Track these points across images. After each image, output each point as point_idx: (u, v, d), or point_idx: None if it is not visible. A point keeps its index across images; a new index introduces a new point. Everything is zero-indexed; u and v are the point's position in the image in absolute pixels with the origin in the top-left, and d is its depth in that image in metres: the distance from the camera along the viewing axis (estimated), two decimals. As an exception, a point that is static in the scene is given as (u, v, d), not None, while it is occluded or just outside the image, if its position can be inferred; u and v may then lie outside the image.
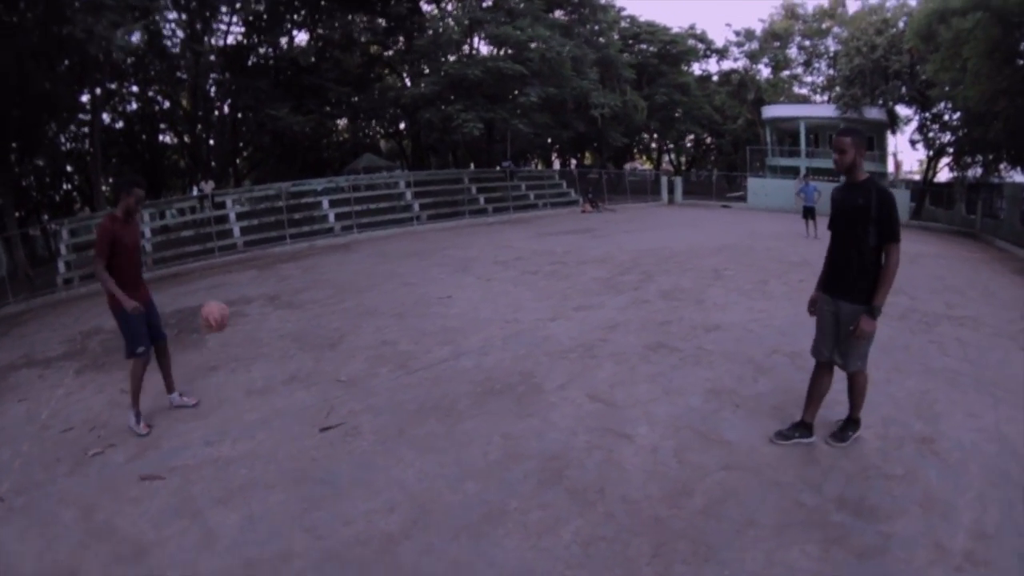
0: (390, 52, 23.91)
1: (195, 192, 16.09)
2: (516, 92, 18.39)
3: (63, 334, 6.93)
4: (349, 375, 4.61)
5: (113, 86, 19.06)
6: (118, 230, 3.75)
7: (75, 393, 4.73)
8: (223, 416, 3.96)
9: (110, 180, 22.09)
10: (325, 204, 15.89)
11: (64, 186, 24.23)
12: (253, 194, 16.13)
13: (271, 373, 4.79)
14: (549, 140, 30.40)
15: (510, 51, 19.26)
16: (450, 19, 18.44)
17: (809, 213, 12.81)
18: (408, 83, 20.02)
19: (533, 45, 18.93)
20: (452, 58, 19.41)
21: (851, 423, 3.39)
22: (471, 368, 4.62)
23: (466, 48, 19.54)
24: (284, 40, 20.39)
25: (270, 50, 20.38)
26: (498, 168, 20.73)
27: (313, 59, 19.77)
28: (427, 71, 18.71)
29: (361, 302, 7.31)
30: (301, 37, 22.42)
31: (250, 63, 20.72)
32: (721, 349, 4.93)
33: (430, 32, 17.67)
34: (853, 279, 3.04)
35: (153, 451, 3.54)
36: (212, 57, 19.86)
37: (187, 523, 2.75)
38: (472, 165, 23.25)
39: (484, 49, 20.59)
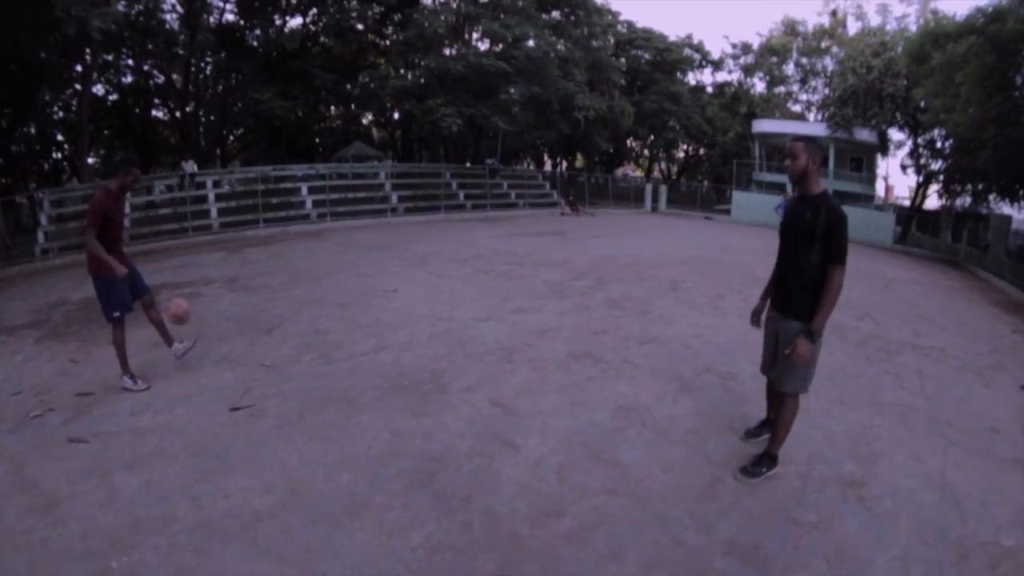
0: (386, 41, 24.24)
1: (179, 171, 16.44)
2: (499, 89, 18.81)
3: (32, 304, 7.34)
4: (274, 360, 5.05)
5: (110, 57, 19.36)
6: (110, 205, 4.20)
7: (31, 360, 5.17)
8: (155, 391, 4.41)
9: (100, 152, 22.45)
10: (304, 191, 16.26)
11: (54, 155, 24.47)
12: (234, 176, 16.51)
13: (205, 353, 5.22)
14: (538, 141, 30.86)
15: (497, 48, 19.65)
16: (440, 14, 18.74)
17: None
18: (398, 73, 20.36)
19: (519, 43, 19.29)
20: (448, 51, 19.75)
21: (767, 458, 3.21)
22: (388, 363, 5.00)
23: (456, 43, 19.90)
24: (278, 21, 20.71)
25: (259, 32, 20.72)
26: (484, 165, 21.24)
27: (298, 44, 20.10)
28: (417, 63, 19.07)
29: (311, 290, 7.74)
30: (295, 21, 22.82)
31: (242, 44, 21.02)
32: (649, 364, 4.93)
33: (418, 25, 18.01)
34: (794, 295, 3.00)
35: (85, 417, 3.99)
36: (206, 36, 20.16)
37: (96, 482, 3.20)
38: (468, 162, 23.68)
39: (483, 45, 20.98)
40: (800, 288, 2.96)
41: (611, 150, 30.76)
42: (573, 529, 2.72)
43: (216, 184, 14.87)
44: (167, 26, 18.87)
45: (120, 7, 11.48)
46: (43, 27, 12.05)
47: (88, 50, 15.28)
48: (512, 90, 18.86)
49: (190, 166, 15.08)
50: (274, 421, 3.90)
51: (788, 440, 3.30)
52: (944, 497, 3.05)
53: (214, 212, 13.88)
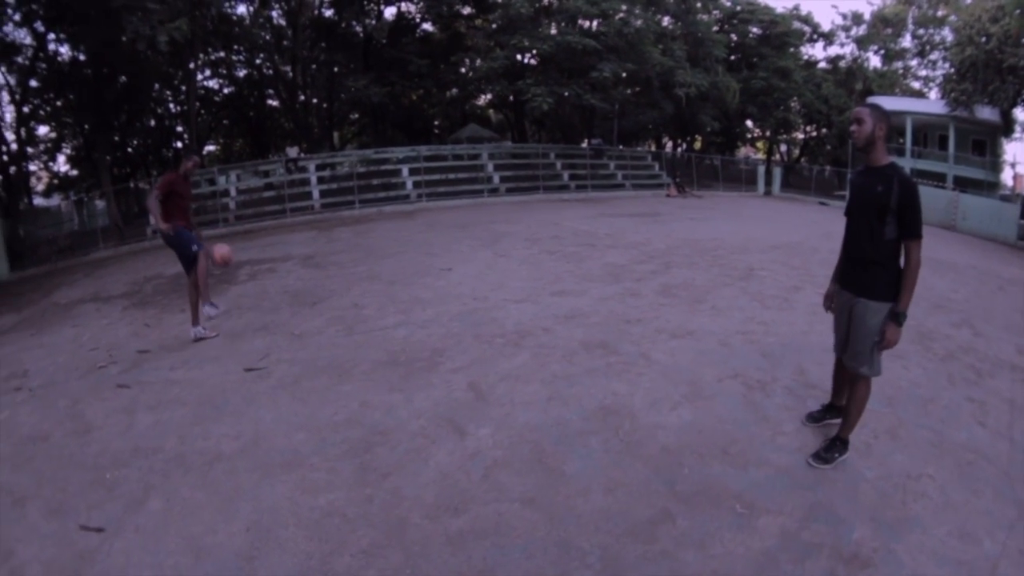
0: (478, 21, 25.26)
1: (284, 156, 18.67)
2: (591, 67, 18.88)
3: (131, 277, 9.07)
4: (303, 330, 5.89)
5: (222, 54, 22.35)
6: (177, 183, 5.49)
7: (114, 324, 6.54)
8: (194, 351, 5.44)
9: (220, 140, 26.04)
10: (405, 172, 17.61)
11: (175, 144, 28.56)
12: (335, 159, 18.31)
13: (251, 321, 6.24)
14: (649, 124, 30.50)
15: (588, 24, 19.68)
16: None
17: None
18: (489, 56, 21.26)
19: (608, 18, 19.28)
20: (550, 30, 20.20)
21: (838, 443, 3.18)
22: (399, 338, 5.53)
23: (549, 22, 20.29)
24: (373, 11, 22.54)
25: (355, 24, 22.64)
26: (591, 146, 21.51)
27: (386, 34, 21.71)
28: (506, 44, 19.74)
29: (372, 267, 8.62)
30: (390, 11, 24.70)
31: (339, 36, 23.22)
32: (668, 361, 4.68)
33: (504, 6, 18.63)
34: (868, 273, 2.97)
35: (136, 369, 5.09)
36: (306, 30, 22.51)
37: (123, 417, 4.18)
38: (586, 142, 24.14)
39: (584, 23, 21.19)
40: (875, 265, 2.93)
41: (717, 129, 29.51)
42: (462, 531, 2.74)
43: (320, 168, 16.67)
44: (273, 22, 21.43)
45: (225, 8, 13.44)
46: (118, 43, 14.35)
47: (191, 50, 17.84)
48: (603, 67, 18.85)
49: (294, 151, 17.08)
50: (274, 383, 4.66)
51: (786, 481, 3.06)
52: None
53: (316, 194, 15.60)
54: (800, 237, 11.80)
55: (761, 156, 42.25)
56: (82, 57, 17.16)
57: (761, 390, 4.18)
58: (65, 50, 18.31)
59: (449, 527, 2.78)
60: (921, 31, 30.69)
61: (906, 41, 32.08)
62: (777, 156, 40.67)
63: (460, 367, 4.72)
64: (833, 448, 3.18)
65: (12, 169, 18.58)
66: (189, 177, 5.73)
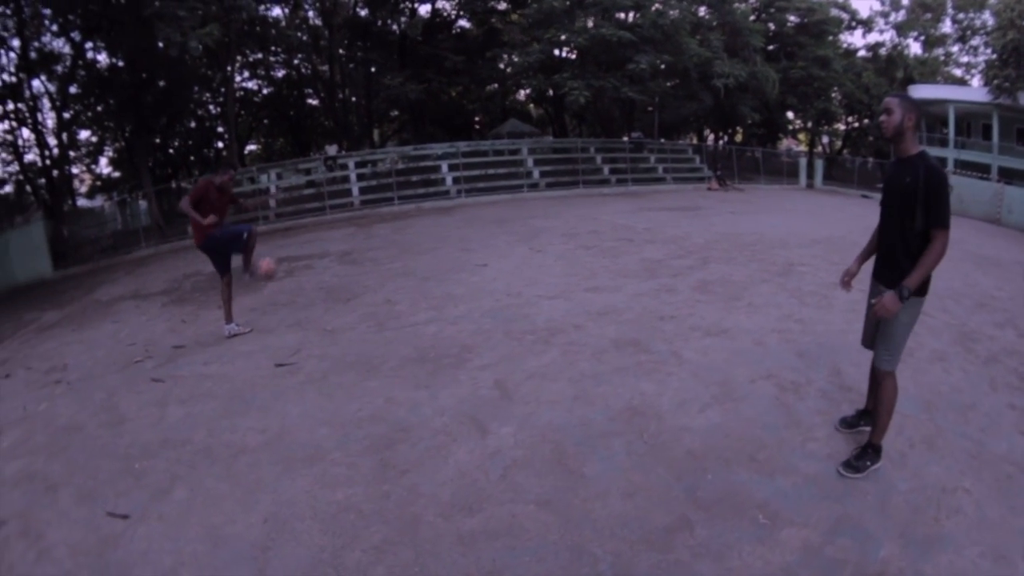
0: (514, 16, 25.29)
1: (322, 154, 19.10)
2: (627, 60, 18.67)
3: (171, 275, 9.41)
4: (335, 326, 5.98)
5: (260, 55, 23.00)
6: (211, 191, 5.57)
7: (152, 320, 6.78)
8: (227, 346, 5.59)
9: (261, 139, 26.80)
10: (444, 168, 17.76)
11: (216, 145, 29.52)
12: (374, 156, 18.61)
13: (285, 317, 6.38)
14: (689, 116, 30.15)
15: (625, 16, 19.49)
16: None
17: None
18: (524, 51, 21.34)
19: (643, 10, 19.06)
20: (586, 23, 20.10)
21: (870, 450, 3.08)
22: (429, 334, 5.56)
23: (584, 16, 20.16)
24: (407, 9, 22.83)
25: (390, 22, 22.94)
26: (629, 140, 21.33)
27: (420, 31, 21.92)
28: (540, 38, 19.71)
29: (408, 263, 8.72)
30: (424, 8, 25.02)
31: (374, 35, 23.57)
32: (700, 361, 4.57)
33: (536, 2, 18.66)
34: (898, 266, 2.95)
35: (171, 364, 5.26)
36: (341, 29, 22.97)
37: (155, 410, 4.32)
38: (626, 136, 24.03)
39: (624, 15, 21.01)
40: (905, 257, 2.92)
41: (758, 120, 28.90)
42: (474, 531, 2.72)
43: (359, 165, 16.96)
44: (310, 22, 21.94)
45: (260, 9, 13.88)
46: (154, 49, 14.86)
47: (225, 53, 18.40)
48: (640, 59, 18.63)
49: (333, 149, 17.44)
50: (302, 378, 4.75)
51: (814, 490, 2.95)
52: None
53: (355, 191, 15.88)
54: (842, 231, 11.39)
55: (803, 148, 41.59)
56: (120, 63, 18.03)
57: (794, 392, 4.03)
58: (103, 57, 19.33)
59: (462, 526, 2.77)
60: (961, 15, 29.89)
61: (946, 27, 31.48)
62: (819, 148, 40.00)
63: (488, 364, 4.71)
64: (865, 456, 3.08)
65: (55, 172, 19.58)
66: (225, 190, 5.78)
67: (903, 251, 2.93)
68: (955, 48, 32.27)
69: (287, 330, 5.99)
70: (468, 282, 7.46)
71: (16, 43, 17.52)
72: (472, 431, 3.65)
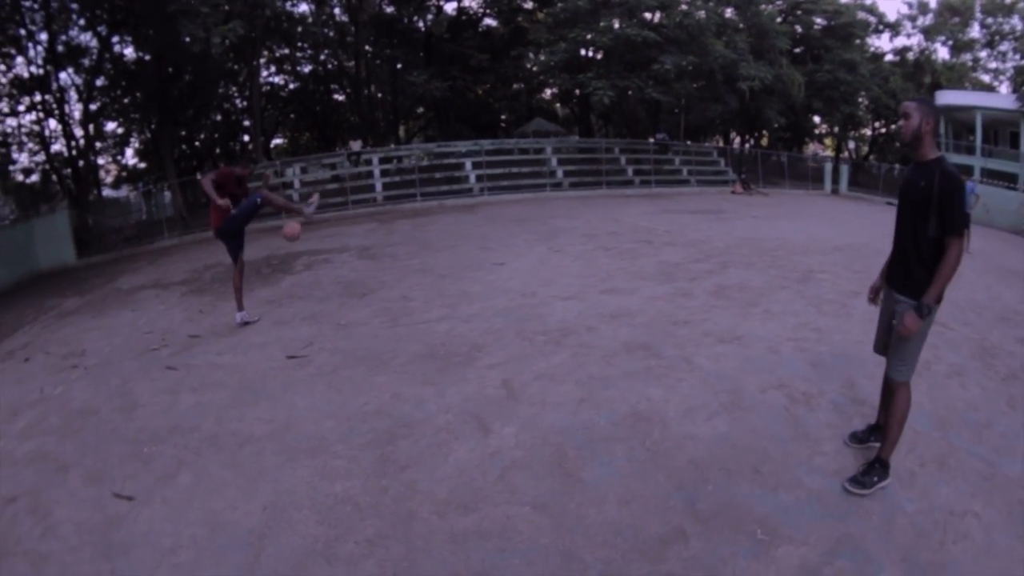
0: (540, 15, 25.30)
1: (346, 149, 19.31)
2: (652, 60, 18.61)
3: (192, 265, 9.61)
4: (349, 321, 6.06)
5: (286, 51, 23.35)
6: (229, 180, 5.80)
7: (171, 309, 6.94)
8: (241, 337, 5.71)
9: (287, 134, 27.21)
10: (468, 166, 17.85)
11: (243, 138, 30.04)
12: (398, 152, 18.78)
13: (300, 310, 6.47)
14: (716, 119, 29.96)
15: (651, 16, 19.41)
16: None
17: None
18: (549, 50, 21.41)
19: (669, 10, 18.96)
20: (611, 23, 20.11)
21: (878, 466, 3.01)
22: (441, 332, 5.57)
23: (610, 16, 20.12)
24: (432, 6, 23.02)
25: (416, 19, 23.13)
26: (654, 141, 21.25)
27: (445, 28, 22.01)
28: (565, 37, 19.73)
29: (426, 260, 8.77)
30: (450, 6, 25.23)
31: (399, 32, 23.82)
32: (711, 367, 4.50)
33: (562, 1, 18.69)
34: (910, 271, 2.93)
35: (186, 353, 5.38)
36: (367, 26, 23.24)
37: (167, 397, 4.43)
38: (652, 137, 24.03)
39: (649, 16, 20.95)
40: (918, 263, 2.90)
41: (783, 124, 28.61)
42: (467, 530, 2.73)
43: (384, 161, 17.13)
44: (336, 19, 22.25)
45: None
46: (180, 44, 15.16)
47: (250, 49, 18.71)
48: (664, 60, 18.52)
49: (356, 145, 17.65)
50: (313, 371, 4.81)
51: (816, 507, 2.88)
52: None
53: (379, 187, 16.04)
54: (864, 239, 11.15)
55: (830, 153, 41.05)
56: (146, 57, 18.52)
57: (805, 403, 3.94)
58: (130, 51, 19.86)
59: (455, 525, 2.78)
60: (989, 20, 29.54)
61: (974, 31, 31.00)
62: (845, 153, 39.46)
63: (496, 363, 4.70)
64: (872, 471, 2.99)
65: (80, 163, 20.10)
66: (243, 182, 6.05)
67: (915, 256, 2.91)
68: (983, 53, 31.94)
69: (301, 323, 6.09)
70: (484, 280, 7.48)
71: (44, 36, 18.12)
72: (474, 430, 3.66)
